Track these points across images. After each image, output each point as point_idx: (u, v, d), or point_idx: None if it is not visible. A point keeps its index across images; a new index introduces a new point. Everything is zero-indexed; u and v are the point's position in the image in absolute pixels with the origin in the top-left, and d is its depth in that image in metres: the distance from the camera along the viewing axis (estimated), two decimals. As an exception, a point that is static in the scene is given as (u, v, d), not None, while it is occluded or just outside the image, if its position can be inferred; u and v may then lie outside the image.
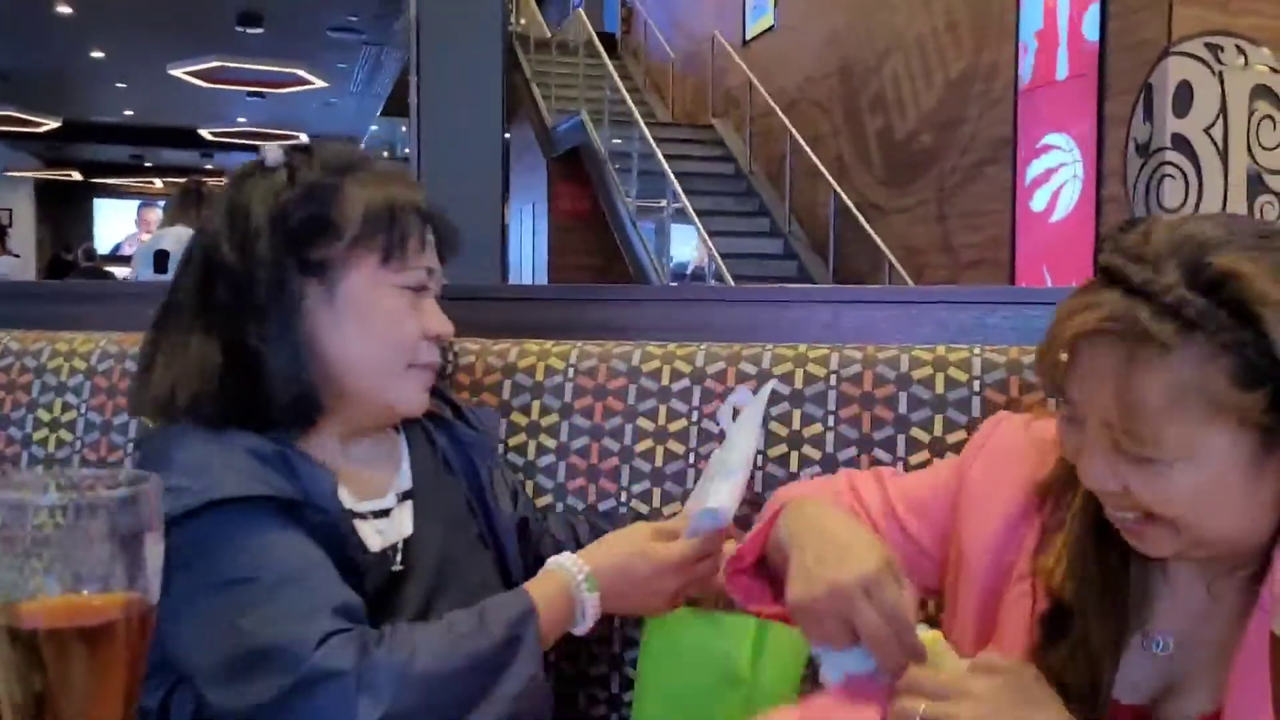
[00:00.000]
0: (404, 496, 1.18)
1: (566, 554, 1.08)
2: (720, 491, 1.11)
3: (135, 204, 16.38)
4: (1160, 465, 0.78)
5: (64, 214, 16.05)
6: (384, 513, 1.15)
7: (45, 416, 1.51)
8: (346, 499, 1.10)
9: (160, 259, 2.88)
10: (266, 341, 1.06)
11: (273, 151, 1.12)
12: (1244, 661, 0.81)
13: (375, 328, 1.10)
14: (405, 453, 1.21)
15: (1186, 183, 4.89)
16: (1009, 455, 1.00)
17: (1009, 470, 0.99)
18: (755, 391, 1.26)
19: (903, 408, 1.27)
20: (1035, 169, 5.91)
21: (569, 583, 1.06)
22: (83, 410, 1.50)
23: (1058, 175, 5.77)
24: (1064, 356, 0.82)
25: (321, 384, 1.09)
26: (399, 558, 1.13)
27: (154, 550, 0.61)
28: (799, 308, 1.44)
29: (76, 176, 16.06)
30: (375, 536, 1.12)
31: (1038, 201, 5.88)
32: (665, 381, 1.36)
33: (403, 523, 1.16)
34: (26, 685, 0.58)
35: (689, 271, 8.63)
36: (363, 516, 1.12)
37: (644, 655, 1.21)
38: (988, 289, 1.40)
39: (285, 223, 1.07)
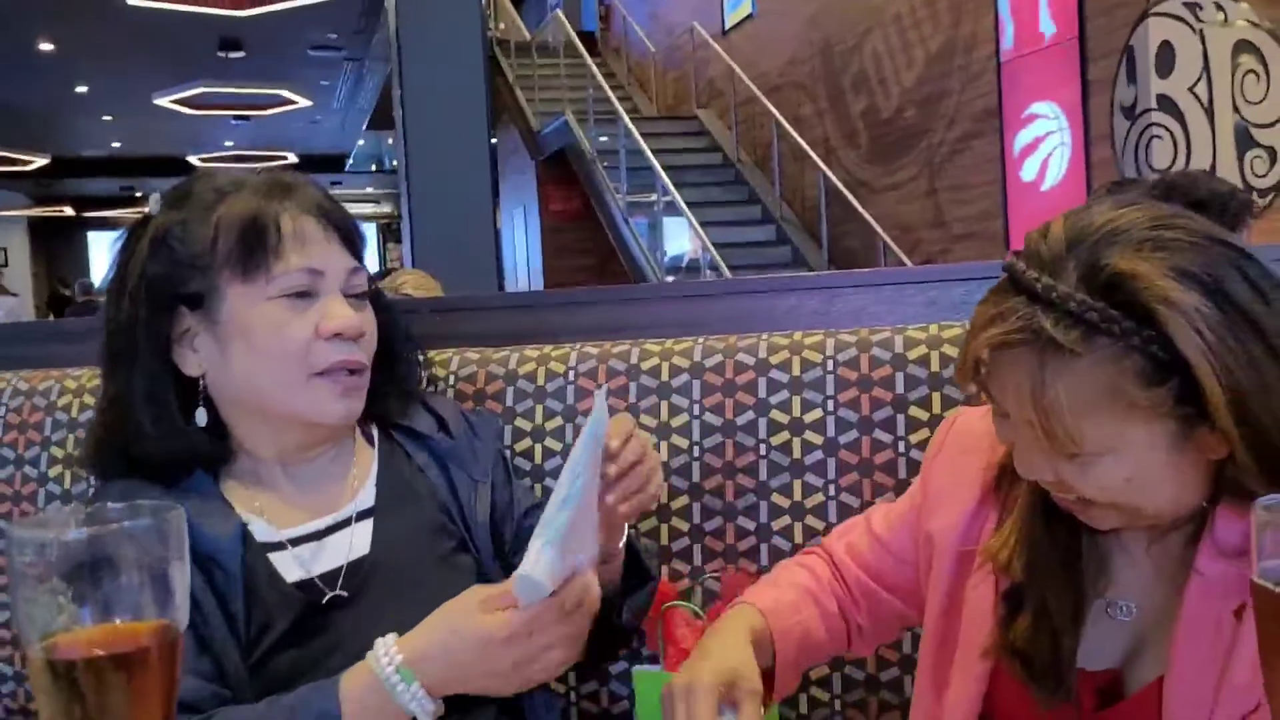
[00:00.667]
0: (364, 515, 1.15)
1: (380, 641, 0.96)
2: (536, 551, 0.90)
3: (129, 235, 16.43)
4: (1088, 458, 0.81)
5: (58, 249, 16.10)
6: (314, 536, 1.12)
7: (59, 453, 1.53)
8: (261, 532, 1.09)
9: None
10: (142, 391, 1.09)
11: (151, 203, 1.15)
12: (1185, 626, 0.84)
13: (258, 344, 1.07)
14: (374, 469, 1.18)
15: (1175, 143, 4.90)
16: (966, 447, 1.03)
17: (968, 461, 1.02)
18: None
19: (900, 388, 1.29)
20: (1023, 138, 5.93)
21: (379, 675, 0.93)
22: (95, 445, 1.52)
23: (1046, 143, 5.79)
24: (982, 369, 0.84)
25: (230, 416, 1.12)
26: (340, 583, 1.09)
27: (181, 578, 0.63)
28: (791, 295, 1.46)
29: (69, 212, 16.09)
30: (294, 567, 1.09)
31: (1027, 171, 5.90)
32: (664, 378, 1.38)
33: (357, 543, 1.12)
34: (68, 716, 0.60)
35: (684, 265, 8.65)
36: (279, 547, 1.10)
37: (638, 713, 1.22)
38: (976, 265, 1.41)
39: (149, 270, 1.09)
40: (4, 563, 0.61)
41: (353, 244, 1.14)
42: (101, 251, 16.70)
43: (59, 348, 1.74)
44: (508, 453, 1.36)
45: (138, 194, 16.78)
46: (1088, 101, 5.52)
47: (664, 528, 1.35)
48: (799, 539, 1.31)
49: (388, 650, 0.94)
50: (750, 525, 1.33)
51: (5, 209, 14.91)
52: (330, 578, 1.09)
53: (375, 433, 1.22)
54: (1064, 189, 5.67)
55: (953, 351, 1.29)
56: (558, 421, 1.40)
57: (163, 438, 1.09)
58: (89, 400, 1.54)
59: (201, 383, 1.12)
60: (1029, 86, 5.86)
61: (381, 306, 1.20)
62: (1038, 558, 0.92)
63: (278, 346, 1.07)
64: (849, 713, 1.30)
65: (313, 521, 1.12)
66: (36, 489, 1.53)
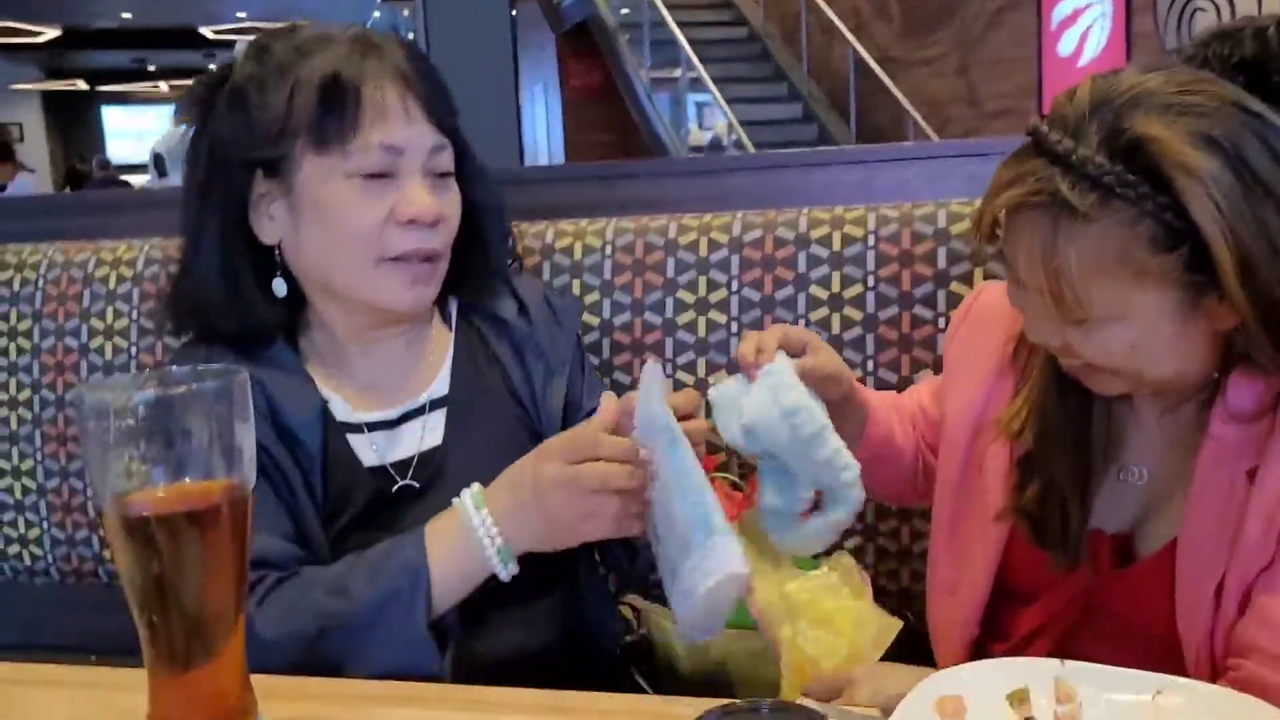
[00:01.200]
0: (438, 404, 1.11)
1: (468, 494, 0.96)
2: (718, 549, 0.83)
3: (144, 110, 16.24)
4: (1094, 324, 0.82)
5: (73, 125, 15.95)
6: (389, 423, 1.09)
7: (99, 325, 1.55)
8: (340, 411, 1.08)
9: (158, 161, 2.89)
10: (216, 256, 1.06)
11: (235, 52, 1.08)
12: (1197, 489, 0.86)
13: (329, 221, 1.02)
14: (449, 356, 1.14)
15: (1219, 15, 4.72)
16: (988, 320, 1.05)
17: (988, 334, 1.04)
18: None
19: (942, 263, 1.28)
20: (1062, 10, 5.72)
21: (466, 528, 0.93)
22: (134, 317, 1.54)
23: (1085, 16, 5.58)
24: (998, 232, 0.85)
25: (307, 288, 1.08)
26: (411, 472, 1.08)
27: (247, 439, 0.64)
28: (831, 169, 1.44)
29: (82, 86, 15.89)
30: (369, 451, 1.08)
31: (1065, 45, 5.72)
32: (703, 253, 1.37)
33: (430, 433, 1.10)
34: (145, 569, 0.63)
35: (707, 143, 8.51)
36: (357, 429, 1.08)
37: None
38: (1019, 139, 1.38)
39: (225, 130, 1.05)
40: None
41: (440, 115, 1.05)
42: (118, 127, 16.55)
43: (90, 220, 1.74)
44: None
45: (150, 67, 16.52)
46: (1132, -29, 5.30)
47: (704, 403, 1.36)
48: (835, 414, 1.32)
49: (485, 523, 0.93)
50: (787, 400, 1.33)
51: (18, 82, 14.72)
52: (402, 466, 1.08)
53: (454, 314, 1.17)
54: (1102, 63, 5.49)
55: (997, 227, 1.27)
56: (595, 296, 1.40)
57: (235, 306, 1.06)
58: (125, 272, 1.55)
59: (278, 252, 1.07)
60: (1070, -45, 5.63)
61: (471, 179, 1.12)
62: (1048, 426, 0.94)
63: (348, 227, 1.02)
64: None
65: (388, 409, 1.10)
66: (78, 359, 1.55)
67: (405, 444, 1.09)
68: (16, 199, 4.67)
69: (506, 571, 0.93)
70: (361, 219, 1.01)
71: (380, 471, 1.07)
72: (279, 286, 1.07)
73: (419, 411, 1.11)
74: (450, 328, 1.17)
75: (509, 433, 1.11)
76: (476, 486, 0.96)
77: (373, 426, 1.09)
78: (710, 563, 0.81)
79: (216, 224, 1.06)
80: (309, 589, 0.93)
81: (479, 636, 0.98)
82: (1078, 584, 0.94)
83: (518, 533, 0.92)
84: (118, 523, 0.62)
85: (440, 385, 1.12)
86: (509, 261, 1.24)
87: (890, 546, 1.32)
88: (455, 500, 0.95)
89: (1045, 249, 0.80)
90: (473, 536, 0.92)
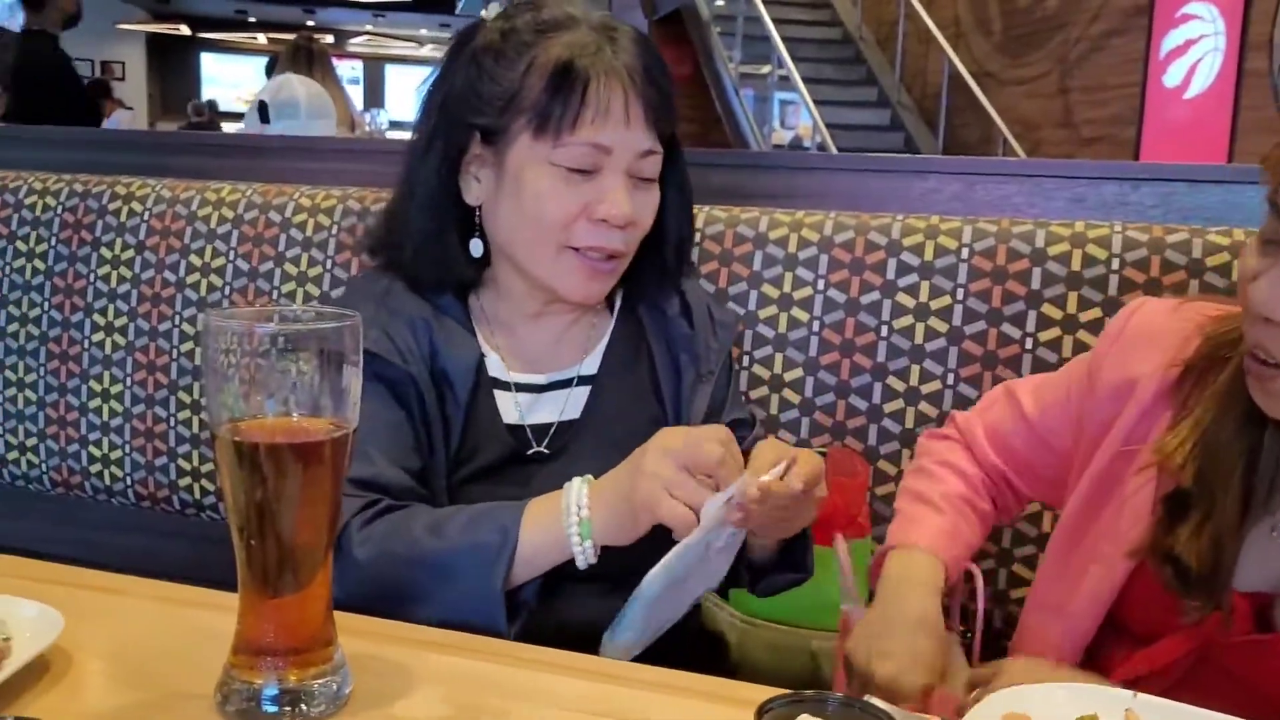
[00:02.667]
0: (585, 381, 1.14)
1: (577, 483, 0.96)
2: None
3: (241, 60, 16.56)
4: None
5: (173, 69, 16.32)
6: (535, 388, 1.12)
7: (197, 262, 1.60)
8: (494, 367, 1.11)
9: (263, 109, 2.96)
10: (426, 201, 1.09)
11: (489, 10, 1.11)
12: None
13: (524, 201, 1.05)
14: (606, 340, 1.16)
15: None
16: (1148, 339, 0.98)
17: (1144, 356, 0.98)
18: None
19: (1035, 283, 1.27)
20: (1172, 39, 5.59)
21: (563, 515, 0.94)
22: (231, 257, 1.59)
23: (1197, 47, 5.44)
24: None
25: (495, 254, 1.11)
26: (547, 439, 1.11)
27: (354, 381, 0.67)
28: (931, 178, 1.43)
29: (185, 31, 16.24)
30: (512, 409, 1.11)
31: (1172, 76, 5.58)
32: (792, 249, 1.37)
33: (571, 406, 1.13)
34: (249, 494, 0.65)
35: (789, 143, 8.45)
36: (505, 387, 1.11)
37: None
38: (1130, 164, 1.36)
39: (459, 86, 1.08)
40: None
41: (658, 121, 1.05)
42: (213, 74, 16.91)
43: (198, 160, 1.79)
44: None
45: (250, 19, 16.84)
46: (1250, 5, 5.15)
47: (775, 397, 1.37)
48: (910, 424, 1.32)
49: (580, 499, 0.94)
50: (862, 405, 1.34)
51: (124, 21, 15.10)
52: (540, 431, 1.11)
53: (619, 301, 1.19)
54: (1209, 98, 5.36)
55: (1097, 252, 1.26)
56: (681, 281, 1.41)
57: (432, 254, 1.09)
58: (227, 214, 1.60)
59: (477, 213, 1.11)
60: (1186, -16, 5.49)
61: (673, 187, 1.13)
62: (1214, 464, 0.88)
63: (540, 212, 1.04)
64: (936, 594, 1.33)
65: (538, 374, 1.13)
66: (174, 293, 1.61)
67: (546, 410, 1.12)
68: (128, 132, 4.80)
69: (584, 550, 0.93)
70: (555, 207, 1.04)
71: (518, 431, 1.10)
72: (475, 246, 1.10)
73: (566, 383, 1.14)
74: (613, 313, 1.19)
75: (641, 423, 1.09)
76: (589, 476, 0.96)
77: (520, 387, 1.12)
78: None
79: (432, 173, 1.09)
80: (411, 521, 0.96)
81: (553, 606, 0.99)
82: (1201, 636, 0.89)
83: (601, 509, 0.93)
84: (229, 447, 0.64)
85: (591, 364, 1.15)
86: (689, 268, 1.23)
87: (951, 560, 1.32)
88: (566, 484, 0.96)
89: None
90: (565, 505, 0.94)
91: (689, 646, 1.04)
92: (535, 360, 1.14)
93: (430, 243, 1.10)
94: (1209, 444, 0.89)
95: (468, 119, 1.07)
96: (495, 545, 0.92)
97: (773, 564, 1.08)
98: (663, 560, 0.90)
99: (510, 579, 0.93)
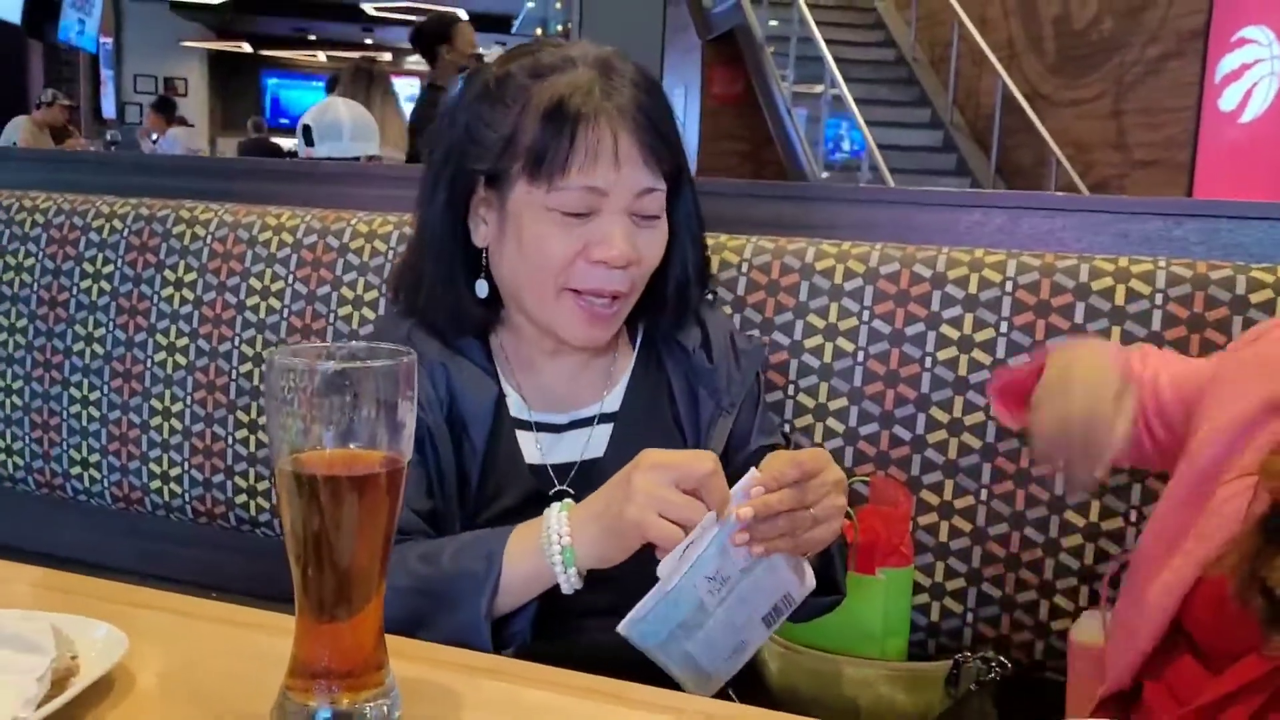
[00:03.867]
0: (607, 418, 1.14)
1: (556, 509, 0.97)
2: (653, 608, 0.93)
3: (302, 83, 16.88)
4: None
5: (234, 87, 16.69)
6: (556, 427, 1.13)
7: (256, 285, 1.65)
8: (515, 407, 1.13)
9: (306, 132, 3.01)
10: (436, 245, 1.11)
11: (492, 55, 1.15)
12: None
13: (524, 245, 1.06)
14: (627, 376, 1.17)
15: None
16: (1269, 359, 0.98)
17: (1265, 372, 0.97)
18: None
19: (1079, 317, 1.27)
20: (1228, 64, 5.51)
21: (543, 542, 0.95)
22: (290, 281, 1.63)
23: (1253, 71, 5.36)
24: None
25: (504, 295, 1.13)
26: (570, 479, 1.11)
27: (409, 416, 0.69)
28: (976, 211, 1.44)
29: (246, 49, 16.62)
30: (534, 449, 1.12)
31: (1227, 100, 5.50)
32: (837, 280, 1.39)
33: (593, 445, 1.13)
34: (307, 524, 0.68)
35: (841, 164, 8.43)
36: (527, 426, 1.12)
37: None
38: (1174, 200, 1.35)
39: (459, 132, 1.09)
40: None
41: (659, 157, 1.05)
42: (277, 96, 17.26)
43: (260, 185, 1.85)
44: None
45: (310, 37, 17.19)
46: (1309, 29, 5.07)
47: (819, 426, 1.38)
48: (952, 454, 1.32)
49: (560, 526, 0.94)
50: (906, 435, 1.34)
51: (187, 39, 15.49)
52: (562, 470, 1.12)
53: (640, 334, 1.19)
54: (1266, 122, 5.27)
55: (1141, 287, 1.26)
56: (726, 311, 1.43)
57: (444, 297, 1.12)
58: (287, 238, 1.65)
59: (485, 255, 1.12)
60: (1244, 7, 5.41)
61: (681, 219, 1.13)
62: None
63: (538, 255, 1.05)
64: (984, 586, 1.33)
65: (559, 413, 1.14)
66: (235, 315, 1.66)
67: (568, 450, 1.13)
68: (197, 159, 4.94)
69: (568, 577, 0.94)
70: (553, 250, 1.04)
71: (540, 471, 1.12)
72: (480, 287, 1.12)
73: (588, 422, 1.15)
74: (634, 348, 1.19)
75: None
76: (569, 500, 0.98)
77: (541, 426, 1.13)
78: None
79: (440, 218, 1.11)
80: (407, 553, 0.98)
81: (557, 641, 1.00)
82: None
83: (583, 534, 0.93)
84: (289, 478, 0.67)
85: (613, 401, 1.15)
86: (703, 295, 1.23)
87: (993, 593, 1.32)
88: (547, 509, 0.97)
89: None
90: (545, 534, 0.94)
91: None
92: (555, 399, 1.15)
93: (441, 286, 1.12)
94: None
95: (469, 165, 1.08)
96: (480, 573, 0.94)
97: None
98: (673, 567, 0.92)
99: (497, 606, 0.95)
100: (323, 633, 0.70)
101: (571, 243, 1.04)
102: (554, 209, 1.04)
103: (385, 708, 0.70)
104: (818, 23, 8.25)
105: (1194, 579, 0.92)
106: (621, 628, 0.95)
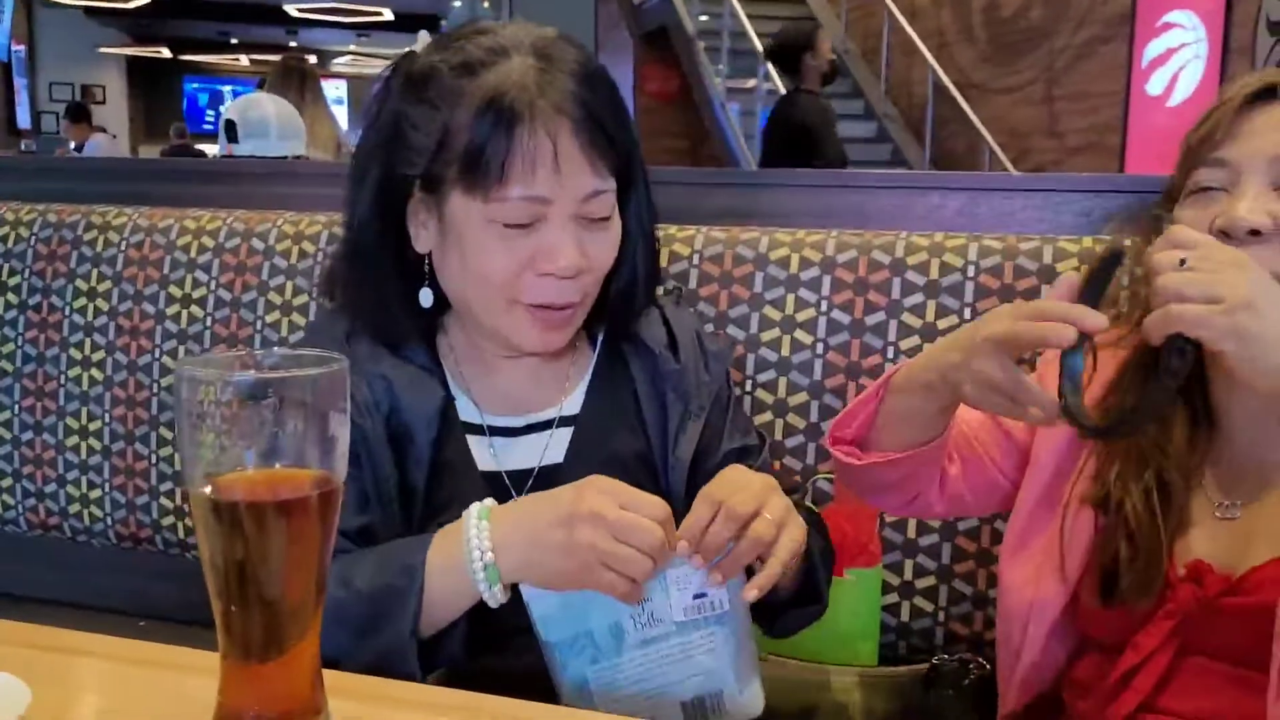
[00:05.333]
0: (567, 422, 1.07)
1: (476, 513, 0.91)
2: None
3: (224, 87, 16.51)
4: None
5: (155, 94, 16.24)
6: (512, 431, 1.06)
7: (177, 292, 1.55)
8: (466, 410, 1.05)
9: (229, 128, 2.88)
10: (369, 253, 1.02)
11: (421, 41, 1.03)
12: None
13: (466, 258, 0.97)
14: (588, 377, 1.09)
15: (1320, 63, 4.58)
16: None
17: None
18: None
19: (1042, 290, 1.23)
20: (1154, 48, 5.59)
21: (464, 521, 0.90)
22: (213, 287, 1.53)
23: (1179, 55, 5.45)
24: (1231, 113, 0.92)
25: (452, 301, 1.04)
26: (528, 486, 1.04)
27: (341, 431, 0.62)
28: (934, 194, 1.39)
29: (166, 54, 16.18)
30: (487, 455, 1.04)
31: (1155, 84, 5.59)
32: (794, 270, 1.33)
33: (552, 450, 1.06)
34: (229, 554, 0.60)
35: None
36: (478, 431, 1.05)
37: None
38: (1136, 177, 1.32)
39: (386, 133, 1.00)
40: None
41: (605, 156, 0.96)
42: (198, 101, 16.84)
43: (176, 187, 1.74)
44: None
45: (232, 40, 16.80)
46: (1231, 13, 5.16)
47: (779, 422, 1.32)
48: (918, 447, 1.27)
49: (480, 542, 0.88)
50: (869, 428, 1.29)
51: (105, 45, 15.03)
52: (519, 477, 1.04)
53: (601, 335, 1.12)
54: (1192, 106, 5.35)
55: (1107, 267, 1.22)
56: (678, 304, 1.36)
57: (379, 306, 1.03)
58: (208, 242, 1.55)
59: (427, 262, 1.03)
60: (1168, -8, 5.50)
61: (634, 212, 1.05)
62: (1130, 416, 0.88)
63: (482, 270, 0.96)
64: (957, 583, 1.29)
65: (514, 416, 1.06)
66: (154, 325, 1.55)
67: (525, 455, 1.05)
68: (104, 160, 4.75)
69: (493, 594, 0.88)
70: (497, 265, 0.96)
71: (495, 478, 1.04)
72: (425, 297, 1.03)
73: (546, 425, 1.07)
74: (594, 347, 1.12)
75: (630, 464, 1.05)
76: (490, 501, 0.92)
77: (495, 431, 1.05)
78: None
79: (373, 222, 1.02)
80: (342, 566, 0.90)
81: (493, 659, 0.94)
82: (1179, 611, 0.89)
83: (510, 554, 0.88)
84: (204, 503, 0.60)
85: (573, 404, 1.08)
86: (661, 291, 1.17)
87: (965, 589, 1.27)
88: (465, 511, 0.91)
89: None
90: (466, 548, 0.88)
91: None
92: (511, 402, 1.07)
93: (376, 295, 1.03)
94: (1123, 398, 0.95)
95: (399, 169, 0.99)
96: (402, 588, 0.87)
97: (788, 601, 1.02)
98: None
99: (424, 624, 0.88)
100: (251, 676, 0.62)
101: (516, 255, 0.96)
102: (494, 220, 0.95)
103: (325, 758, 0.63)
104: (749, 16, 8.24)
105: (1067, 594, 0.96)
106: (526, 592, 0.89)
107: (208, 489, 0.59)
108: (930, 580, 1.28)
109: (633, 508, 0.85)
